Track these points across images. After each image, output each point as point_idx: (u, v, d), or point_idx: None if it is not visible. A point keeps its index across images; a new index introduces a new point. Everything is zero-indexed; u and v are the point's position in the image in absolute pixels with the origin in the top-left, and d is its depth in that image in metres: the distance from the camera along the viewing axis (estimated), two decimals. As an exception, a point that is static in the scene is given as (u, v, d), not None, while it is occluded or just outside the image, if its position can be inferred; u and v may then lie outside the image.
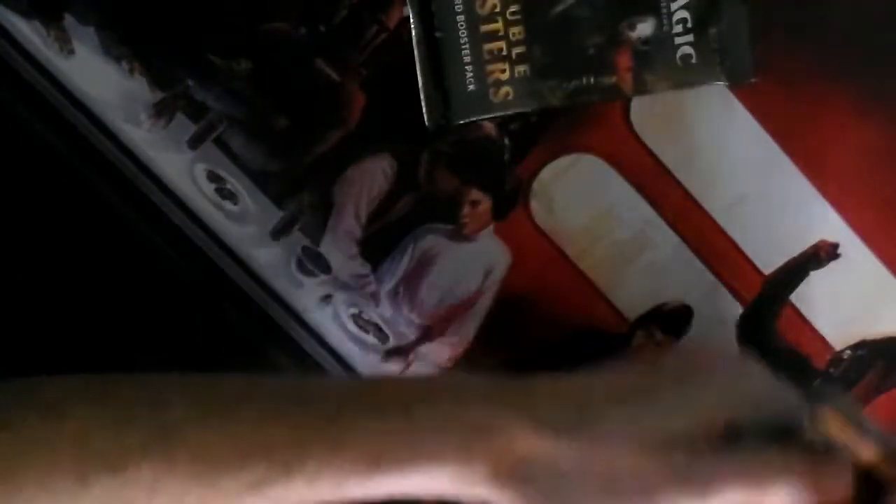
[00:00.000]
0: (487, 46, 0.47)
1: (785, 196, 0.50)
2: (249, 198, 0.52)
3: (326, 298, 0.54)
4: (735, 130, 0.49)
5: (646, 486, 0.37)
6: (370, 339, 0.54)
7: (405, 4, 0.47)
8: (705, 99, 0.48)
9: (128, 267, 0.54)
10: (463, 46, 0.47)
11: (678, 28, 0.46)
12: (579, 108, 0.49)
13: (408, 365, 0.54)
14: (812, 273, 0.51)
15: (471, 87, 0.47)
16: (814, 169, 0.49)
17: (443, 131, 0.49)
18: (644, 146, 0.49)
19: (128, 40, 0.49)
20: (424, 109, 0.47)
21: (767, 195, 0.50)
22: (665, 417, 0.38)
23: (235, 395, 0.39)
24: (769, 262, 0.51)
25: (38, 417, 0.36)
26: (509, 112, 0.47)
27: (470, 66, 0.47)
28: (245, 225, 0.53)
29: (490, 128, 0.50)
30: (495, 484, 0.38)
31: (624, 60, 0.46)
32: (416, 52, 0.47)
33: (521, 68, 0.47)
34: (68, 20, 0.49)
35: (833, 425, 0.38)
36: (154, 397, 0.38)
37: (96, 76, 0.50)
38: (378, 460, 0.38)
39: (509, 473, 0.38)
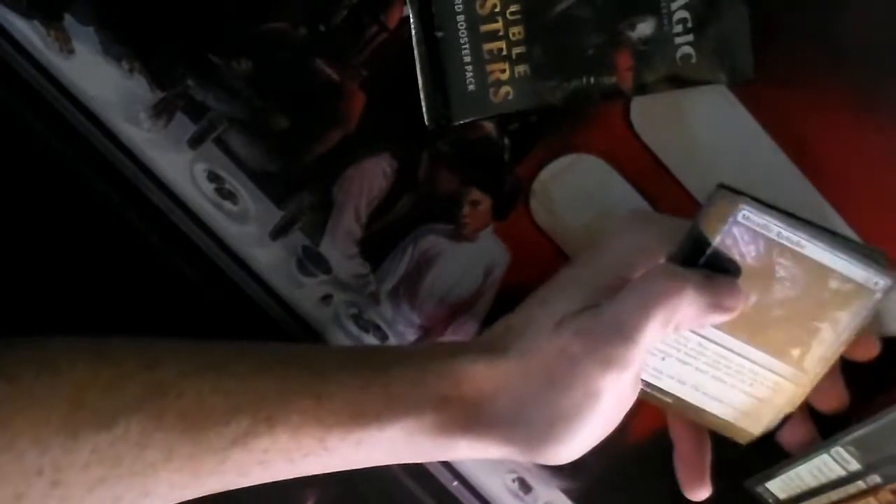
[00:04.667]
0: (487, 46, 0.47)
1: (785, 196, 0.50)
2: (249, 198, 0.52)
3: (326, 298, 0.54)
4: (735, 130, 0.49)
5: (575, 368, 0.39)
6: (370, 339, 0.54)
7: (405, 4, 0.47)
8: (705, 99, 0.48)
9: (128, 267, 0.54)
10: (463, 46, 0.47)
11: (678, 28, 0.46)
12: (579, 108, 0.49)
13: (408, 365, 0.54)
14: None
15: (471, 87, 0.47)
16: (814, 169, 0.49)
17: (443, 131, 0.49)
18: (644, 146, 0.49)
19: (128, 40, 0.49)
20: (424, 109, 0.47)
21: (767, 195, 0.50)
22: (570, 296, 0.41)
23: (226, 353, 0.40)
24: (769, 262, 0.51)
25: (34, 373, 0.37)
26: (509, 112, 0.47)
27: (470, 66, 0.47)
28: (245, 225, 0.53)
29: (490, 128, 0.50)
30: (467, 431, 0.40)
31: (624, 60, 0.46)
32: (416, 52, 0.47)
33: (521, 68, 0.47)
34: (68, 20, 0.49)
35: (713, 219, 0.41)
36: (149, 357, 0.39)
37: (96, 76, 0.50)
38: (359, 413, 0.39)
39: (478, 415, 0.40)
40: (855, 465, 0.43)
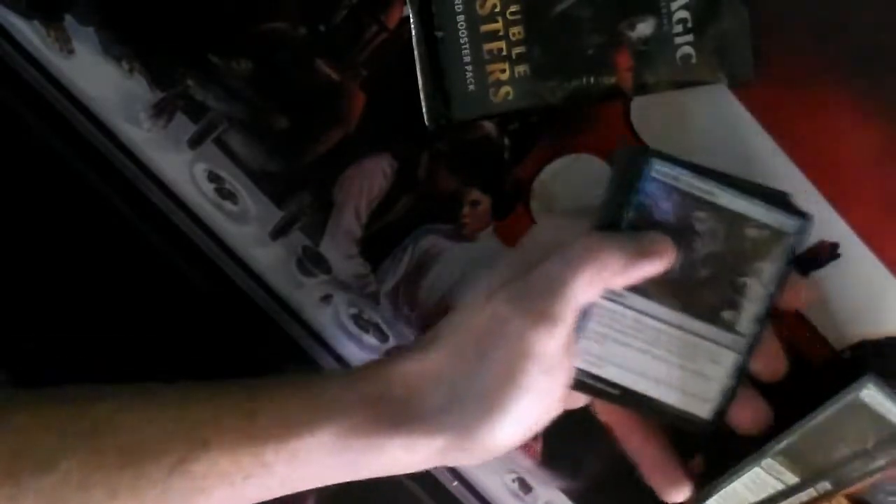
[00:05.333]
0: (487, 46, 0.47)
1: (785, 196, 0.50)
2: (249, 198, 0.52)
3: (326, 298, 0.54)
4: (735, 130, 0.49)
5: (504, 329, 0.39)
6: (370, 339, 0.54)
7: (405, 4, 0.47)
8: (705, 99, 0.48)
9: (127, 267, 0.54)
10: (463, 46, 0.47)
11: (678, 28, 0.46)
12: (579, 108, 0.49)
13: (408, 365, 0.54)
14: (812, 273, 0.51)
15: (471, 87, 0.47)
16: (814, 169, 0.49)
17: (443, 131, 0.49)
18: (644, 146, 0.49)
19: (128, 40, 0.49)
20: (424, 109, 0.47)
21: (767, 195, 0.50)
22: (499, 273, 0.41)
23: (162, 387, 0.40)
24: (769, 262, 0.51)
25: None
26: (509, 112, 0.47)
27: (470, 66, 0.47)
28: (245, 225, 0.53)
29: (490, 128, 0.50)
30: (400, 428, 0.40)
31: (624, 60, 0.46)
32: (416, 52, 0.47)
33: (521, 68, 0.47)
34: (68, 20, 0.49)
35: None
36: (88, 397, 0.39)
37: (96, 76, 0.50)
38: (291, 423, 0.39)
39: (410, 410, 0.40)
40: (790, 477, 0.43)
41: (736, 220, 0.42)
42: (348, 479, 0.41)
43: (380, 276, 0.53)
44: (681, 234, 0.42)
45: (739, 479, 0.45)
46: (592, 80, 0.47)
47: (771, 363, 0.44)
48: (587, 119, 0.49)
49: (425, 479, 0.56)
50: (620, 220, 0.42)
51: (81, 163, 0.51)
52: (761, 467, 0.44)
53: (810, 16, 0.47)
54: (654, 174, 0.42)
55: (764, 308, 0.43)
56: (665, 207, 0.42)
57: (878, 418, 0.42)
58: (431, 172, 0.51)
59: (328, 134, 0.50)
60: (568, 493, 0.56)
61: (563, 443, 0.56)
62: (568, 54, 0.46)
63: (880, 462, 0.42)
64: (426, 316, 0.53)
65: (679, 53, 0.46)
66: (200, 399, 0.40)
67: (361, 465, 0.40)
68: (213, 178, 0.52)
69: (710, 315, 0.43)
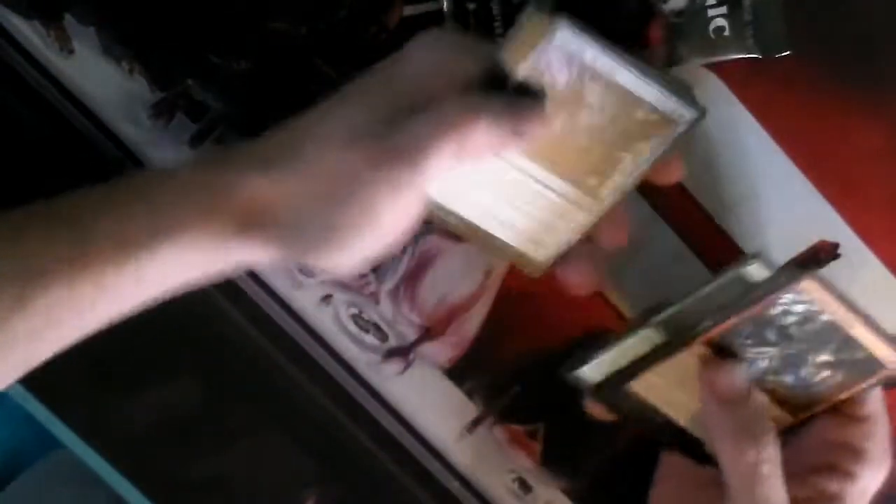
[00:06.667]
0: None
1: (785, 196, 0.50)
2: (249, 198, 0.52)
3: (326, 298, 0.54)
4: (735, 131, 0.49)
5: (357, 187, 0.38)
6: (370, 339, 0.54)
7: (405, 5, 0.47)
8: (705, 99, 0.48)
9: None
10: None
11: (711, 0, 0.46)
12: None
13: (408, 365, 0.54)
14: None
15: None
16: (814, 169, 0.49)
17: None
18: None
19: (128, 40, 0.49)
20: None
21: (767, 195, 0.50)
22: (359, 112, 0.39)
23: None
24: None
25: None
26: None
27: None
28: (245, 225, 0.53)
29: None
30: (242, 237, 0.39)
31: (657, 33, 0.46)
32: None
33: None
34: (68, 20, 0.49)
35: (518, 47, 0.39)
36: None
37: (96, 76, 0.50)
38: (124, 243, 0.38)
39: (253, 223, 0.39)
40: (660, 339, 0.46)
41: (629, 100, 0.41)
42: (197, 282, 0.40)
43: (380, 276, 0.53)
44: (568, 103, 0.41)
45: (617, 348, 0.47)
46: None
47: (614, 236, 0.44)
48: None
49: (425, 479, 0.56)
50: (507, 83, 0.40)
51: (81, 163, 0.51)
52: (639, 337, 0.46)
53: (810, 16, 0.47)
54: (557, 42, 0.39)
55: (630, 182, 0.42)
56: (560, 75, 0.40)
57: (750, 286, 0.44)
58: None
59: (328, 134, 0.50)
60: (568, 493, 0.56)
61: (563, 443, 0.56)
62: (601, 27, 0.46)
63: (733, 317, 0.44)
64: (426, 316, 0.53)
65: (712, 26, 0.46)
66: (33, 228, 0.38)
67: (207, 269, 0.40)
68: (213, 178, 0.52)
69: (575, 178, 0.42)
